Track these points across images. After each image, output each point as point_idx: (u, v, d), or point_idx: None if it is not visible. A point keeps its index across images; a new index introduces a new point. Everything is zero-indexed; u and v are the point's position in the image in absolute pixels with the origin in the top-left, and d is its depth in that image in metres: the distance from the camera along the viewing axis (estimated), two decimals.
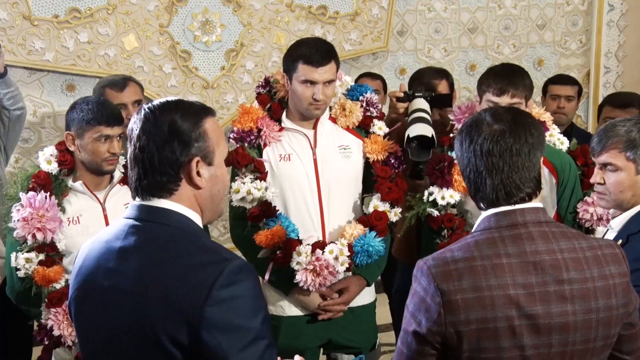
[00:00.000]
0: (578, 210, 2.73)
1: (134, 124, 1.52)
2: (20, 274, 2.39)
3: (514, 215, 1.58)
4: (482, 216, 1.63)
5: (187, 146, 1.48)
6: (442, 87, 3.10)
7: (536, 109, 2.91)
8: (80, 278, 1.55)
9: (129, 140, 1.54)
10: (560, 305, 1.52)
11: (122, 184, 2.58)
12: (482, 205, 1.63)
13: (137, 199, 1.53)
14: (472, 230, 1.65)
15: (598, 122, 3.68)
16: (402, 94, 2.80)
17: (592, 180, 2.21)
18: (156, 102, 1.55)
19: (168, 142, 1.47)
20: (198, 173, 1.50)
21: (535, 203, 1.61)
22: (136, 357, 1.45)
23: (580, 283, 1.54)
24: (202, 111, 1.53)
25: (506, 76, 2.56)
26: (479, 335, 1.51)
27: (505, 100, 2.53)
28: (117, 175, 2.57)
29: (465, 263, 1.53)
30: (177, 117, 1.49)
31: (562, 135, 2.91)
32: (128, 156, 1.54)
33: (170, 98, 1.58)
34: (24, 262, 2.38)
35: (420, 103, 2.74)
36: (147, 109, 1.52)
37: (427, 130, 2.57)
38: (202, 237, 1.52)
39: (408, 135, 2.59)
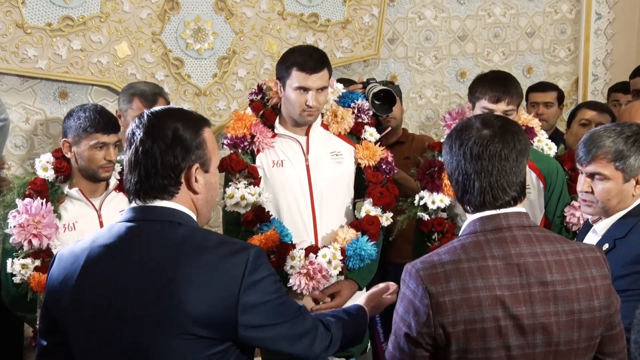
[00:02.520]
0: (565, 214, 2.77)
1: (136, 129, 1.58)
2: (16, 279, 2.41)
3: (499, 219, 1.62)
4: (467, 221, 1.67)
5: (188, 153, 1.56)
6: None
7: (525, 115, 2.96)
8: (88, 283, 1.55)
9: (129, 144, 1.58)
10: (544, 306, 1.56)
11: (117, 190, 2.60)
12: (468, 208, 1.66)
13: (138, 201, 1.58)
14: (459, 234, 1.69)
15: (569, 127, 3.68)
16: (360, 84, 3.05)
17: (579, 189, 2.23)
18: (159, 109, 1.63)
19: (171, 148, 1.55)
20: (195, 179, 1.58)
21: (518, 208, 1.65)
22: (163, 352, 1.49)
23: (563, 285, 1.57)
24: (201, 121, 1.63)
25: (502, 84, 2.61)
26: (467, 335, 1.54)
27: (501, 107, 2.57)
28: (113, 182, 2.60)
29: (452, 265, 1.57)
30: (179, 125, 1.57)
31: (549, 139, 2.96)
32: (126, 159, 1.59)
33: (172, 106, 1.67)
34: (20, 268, 2.40)
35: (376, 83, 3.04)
36: (150, 115, 1.59)
37: (387, 87, 2.89)
38: (211, 232, 1.62)
39: (372, 94, 2.84)
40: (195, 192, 1.60)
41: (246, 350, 1.61)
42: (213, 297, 1.48)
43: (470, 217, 1.66)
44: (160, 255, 1.51)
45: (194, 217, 1.61)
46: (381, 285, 2.09)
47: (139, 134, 1.56)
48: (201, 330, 1.48)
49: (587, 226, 2.37)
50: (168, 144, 1.55)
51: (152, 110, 1.62)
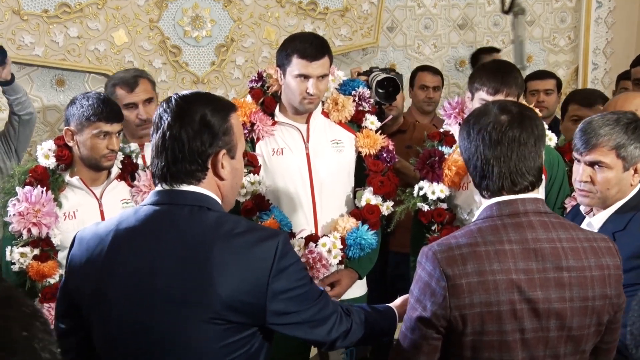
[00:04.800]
0: (566, 205, 2.75)
1: (164, 113, 1.57)
2: (15, 268, 2.39)
3: (516, 204, 1.63)
4: (483, 205, 1.68)
5: (215, 139, 1.56)
6: None
7: None
8: (116, 265, 1.54)
9: (155, 128, 1.58)
10: (558, 291, 1.57)
11: (119, 179, 2.59)
12: (485, 193, 1.67)
13: (164, 185, 1.58)
14: (474, 219, 1.70)
15: (563, 120, 3.63)
16: (362, 70, 3.05)
17: (578, 179, 2.18)
18: (187, 93, 1.62)
19: (199, 134, 1.55)
20: (222, 165, 1.58)
21: (535, 194, 1.66)
22: (191, 335, 1.49)
23: (578, 271, 1.59)
24: (229, 107, 1.63)
25: (500, 75, 2.55)
26: (483, 318, 1.55)
27: (499, 99, 2.53)
28: (115, 171, 2.58)
29: (469, 248, 1.58)
30: (207, 110, 1.57)
31: (549, 131, 2.93)
32: (153, 143, 1.58)
33: (200, 91, 1.66)
34: (19, 256, 2.38)
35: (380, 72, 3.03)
36: (179, 100, 1.58)
37: (391, 76, 2.92)
38: (239, 217, 1.63)
39: (376, 82, 2.87)
40: (221, 178, 1.59)
41: (268, 336, 1.61)
42: (245, 282, 1.48)
43: (487, 202, 1.67)
44: (192, 239, 1.51)
45: (220, 202, 1.61)
46: None
47: (167, 119, 1.55)
48: (232, 315, 1.48)
49: (575, 213, 2.35)
50: (196, 129, 1.54)
51: (180, 94, 1.61)
